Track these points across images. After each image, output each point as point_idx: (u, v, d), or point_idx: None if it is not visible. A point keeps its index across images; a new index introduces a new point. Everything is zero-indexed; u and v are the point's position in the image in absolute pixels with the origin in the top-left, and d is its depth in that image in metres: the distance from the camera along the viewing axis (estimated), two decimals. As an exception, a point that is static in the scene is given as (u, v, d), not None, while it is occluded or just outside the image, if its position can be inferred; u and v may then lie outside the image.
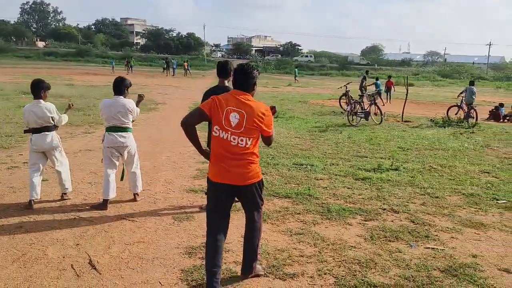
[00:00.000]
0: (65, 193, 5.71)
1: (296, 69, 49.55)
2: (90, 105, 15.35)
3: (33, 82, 5.46)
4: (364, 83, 20.55)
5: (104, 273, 3.79)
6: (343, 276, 3.90)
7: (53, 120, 5.45)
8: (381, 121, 14.55)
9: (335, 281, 3.82)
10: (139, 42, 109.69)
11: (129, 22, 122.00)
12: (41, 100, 5.41)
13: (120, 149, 5.51)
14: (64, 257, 4.07)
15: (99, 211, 5.29)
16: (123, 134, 5.45)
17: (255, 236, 3.76)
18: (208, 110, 3.41)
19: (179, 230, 4.84)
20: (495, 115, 17.50)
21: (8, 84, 21.42)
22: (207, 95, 5.07)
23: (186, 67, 46.80)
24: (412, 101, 25.34)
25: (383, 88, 22.74)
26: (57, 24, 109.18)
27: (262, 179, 3.72)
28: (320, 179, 7.20)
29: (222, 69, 5.45)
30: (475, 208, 6.04)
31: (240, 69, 3.55)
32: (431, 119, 15.73)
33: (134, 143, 5.66)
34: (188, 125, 3.42)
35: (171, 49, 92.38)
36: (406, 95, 16.21)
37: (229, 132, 3.38)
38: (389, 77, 24.18)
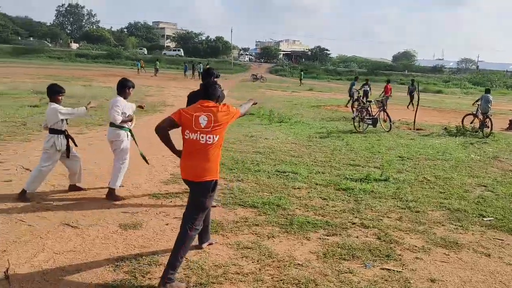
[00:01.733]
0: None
1: (302, 72, 49.37)
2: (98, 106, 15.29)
3: (49, 86, 5.85)
4: (353, 88, 20.51)
5: (14, 285, 3.55)
6: (274, 299, 3.53)
7: (60, 122, 5.70)
8: (390, 128, 13.95)
9: (262, 304, 3.46)
10: (169, 46, 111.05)
11: (160, 25, 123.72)
12: (54, 103, 5.71)
13: (109, 143, 6.01)
14: (-18, 264, 3.85)
15: (45, 216, 5.07)
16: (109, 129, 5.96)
17: (182, 243, 3.76)
18: (178, 119, 3.88)
19: (119, 240, 4.56)
20: (514, 124, 16.58)
21: (26, 84, 21.78)
22: (191, 97, 5.54)
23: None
24: (435, 109, 24.56)
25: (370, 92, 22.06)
26: (91, 26, 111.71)
27: (216, 180, 3.95)
28: (298, 188, 6.81)
29: (207, 75, 5.71)
30: (455, 225, 5.54)
31: (205, 85, 4.13)
32: (445, 128, 15.01)
33: (119, 139, 5.87)
34: (161, 132, 3.93)
35: (199, 53, 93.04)
36: (418, 101, 15.55)
37: (198, 132, 3.81)
38: (388, 81, 22.85)
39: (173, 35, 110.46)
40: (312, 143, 10.82)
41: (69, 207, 5.45)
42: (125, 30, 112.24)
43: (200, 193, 3.87)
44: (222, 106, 3.99)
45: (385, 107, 14.41)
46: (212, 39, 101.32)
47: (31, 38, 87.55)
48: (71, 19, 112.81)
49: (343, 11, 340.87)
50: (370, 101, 15.06)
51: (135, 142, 6.15)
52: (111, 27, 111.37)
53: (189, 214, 3.87)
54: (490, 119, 14.35)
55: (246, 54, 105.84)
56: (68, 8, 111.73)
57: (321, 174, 7.72)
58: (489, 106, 14.72)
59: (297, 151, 9.68)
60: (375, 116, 13.97)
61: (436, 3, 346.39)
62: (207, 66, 6.68)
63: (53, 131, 5.70)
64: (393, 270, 4.19)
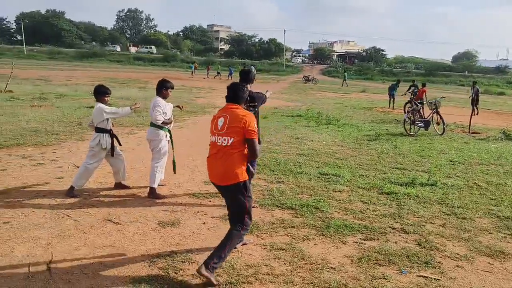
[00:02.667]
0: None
1: (345, 73, 48.32)
2: (148, 107, 15.80)
3: (96, 87, 6.14)
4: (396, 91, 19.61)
5: (54, 276, 3.74)
6: (302, 301, 3.51)
7: (105, 121, 6.00)
8: (444, 131, 13.41)
9: (289, 306, 3.44)
10: (223, 48, 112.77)
11: (215, 28, 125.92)
12: (100, 103, 6.00)
13: (148, 142, 6.26)
14: (27, 256, 4.09)
15: (90, 212, 5.31)
16: (149, 129, 6.21)
17: (226, 238, 3.88)
18: None
19: (156, 236, 4.69)
20: None
21: (85, 86, 22.87)
22: None
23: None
24: (494, 111, 23.37)
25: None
26: (149, 30, 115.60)
27: (244, 181, 3.91)
28: (339, 191, 6.71)
29: (245, 76, 5.72)
30: (504, 233, 5.25)
31: (230, 87, 4.11)
32: (503, 131, 14.23)
33: (157, 138, 6.08)
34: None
35: (253, 55, 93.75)
36: (473, 102, 14.84)
37: (216, 134, 3.90)
38: (423, 84, 20.87)
39: (227, 38, 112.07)
40: (359, 146, 10.62)
41: (113, 204, 5.67)
42: (180, 33, 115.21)
43: (234, 195, 3.92)
44: (244, 111, 3.98)
45: (438, 109, 13.87)
46: (265, 41, 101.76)
47: (93, 43, 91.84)
48: (130, 23, 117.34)
49: (400, 10, 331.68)
50: (422, 103, 14.54)
51: (172, 145, 6.32)
52: (168, 31, 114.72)
53: (233, 216, 4.01)
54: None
55: (299, 56, 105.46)
56: (127, 13, 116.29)
57: (364, 177, 7.56)
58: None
59: (342, 154, 9.54)
60: (428, 119, 13.49)
61: (498, 0, 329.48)
62: (247, 68, 6.66)
63: (99, 130, 5.97)
64: (431, 278, 4.04)
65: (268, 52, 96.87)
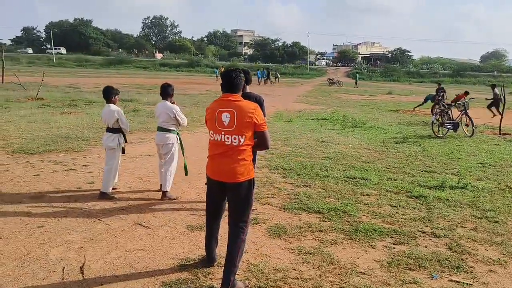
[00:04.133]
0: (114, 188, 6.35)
1: (357, 75, 47.92)
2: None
3: (104, 88, 6.24)
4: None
5: (87, 279, 3.83)
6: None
7: (117, 122, 6.11)
8: (473, 133, 13.13)
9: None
10: (247, 52, 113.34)
11: (238, 33, 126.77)
12: (111, 104, 6.13)
13: (159, 147, 6.21)
14: (61, 259, 4.19)
15: (120, 215, 5.42)
16: (164, 134, 6.15)
17: (236, 242, 3.70)
18: (206, 123, 3.80)
19: (185, 240, 4.75)
20: None
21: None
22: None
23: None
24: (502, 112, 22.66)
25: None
26: (174, 37, 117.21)
27: (253, 178, 3.77)
28: (367, 194, 6.65)
29: (246, 78, 5.50)
30: (539, 237, 5.10)
31: (226, 74, 3.77)
32: (537, 132, 13.85)
33: (172, 143, 6.15)
34: None
35: (276, 58, 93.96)
36: (504, 104, 14.48)
37: (222, 133, 3.61)
38: (466, 92, 19.55)
39: (251, 42, 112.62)
40: (386, 149, 10.50)
41: (142, 208, 5.77)
42: (205, 39, 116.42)
43: (241, 193, 3.69)
44: (252, 104, 3.69)
45: (467, 111, 13.59)
46: (289, 45, 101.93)
47: (120, 50, 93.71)
48: (156, 30, 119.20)
49: (425, 10, 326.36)
50: (450, 105, 14.27)
51: (182, 148, 6.36)
52: (192, 37, 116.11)
53: (237, 215, 3.76)
54: None
55: (323, 59, 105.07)
56: (153, 20, 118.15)
57: (392, 181, 7.47)
58: None
59: (369, 157, 9.45)
60: (456, 120, 13.23)
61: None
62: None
63: (115, 130, 6.16)
64: (462, 283, 3.96)
65: (292, 56, 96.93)
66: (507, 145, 11.64)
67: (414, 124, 15.75)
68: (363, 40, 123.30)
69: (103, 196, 6.04)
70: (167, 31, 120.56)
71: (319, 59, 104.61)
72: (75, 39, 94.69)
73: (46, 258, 4.20)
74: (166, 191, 6.17)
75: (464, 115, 13.59)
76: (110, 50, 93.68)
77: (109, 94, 6.17)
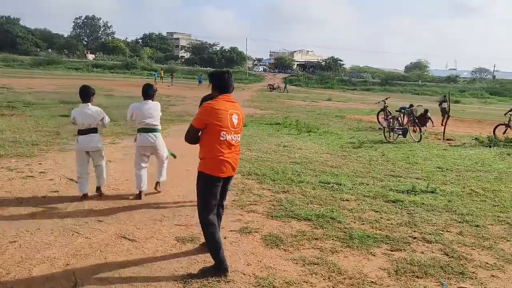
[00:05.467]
0: (99, 188, 6.16)
1: (286, 82, 49.48)
2: (124, 116, 15.26)
3: (83, 88, 5.89)
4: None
5: (85, 301, 3.41)
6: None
7: (101, 121, 5.97)
8: (420, 138, 13.70)
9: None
10: (184, 56, 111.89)
11: (174, 36, 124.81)
12: (89, 104, 5.87)
13: (149, 149, 6.15)
14: (48, 278, 3.72)
15: (99, 227, 4.95)
16: (156, 134, 6.11)
17: (221, 217, 4.39)
18: (203, 125, 3.84)
19: (180, 254, 4.40)
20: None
21: (52, 94, 21.93)
22: (204, 100, 5.37)
23: None
24: (457, 119, 24.15)
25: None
26: (107, 37, 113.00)
27: None
28: (347, 200, 6.62)
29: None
30: (521, 240, 5.29)
31: (221, 75, 4.01)
32: (476, 138, 14.72)
33: (162, 143, 6.25)
34: (193, 143, 4.02)
35: (214, 63, 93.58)
36: (448, 111, 15.28)
37: (232, 133, 3.88)
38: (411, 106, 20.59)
39: (188, 46, 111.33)
40: (347, 154, 10.62)
41: (120, 218, 5.32)
42: (140, 41, 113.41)
43: (229, 182, 4.19)
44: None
45: (415, 118, 14.16)
46: (227, 50, 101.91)
47: (50, 50, 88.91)
48: (88, 30, 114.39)
49: (354, 22, 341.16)
50: (399, 111, 14.81)
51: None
52: (126, 38, 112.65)
53: (224, 199, 4.27)
54: (524, 129, 14.02)
55: (261, 65, 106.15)
56: (85, 20, 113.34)
57: (365, 186, 7.52)
58: (524, 116, 14.39)
59: (334, 162, 9.49)
60: (405, 126, 13.73)
61: (446, 12, 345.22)
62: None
63: (96, 130, 5.96)
64: (473, 289, 3.97)
65: (230, 61, 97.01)
66: (455, 150, 12.22)
67: (363, 130, 16.18)
68: (299, 48, 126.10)
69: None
70: (100, 32, 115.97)
71: (256, 65, 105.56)
72: (1, 38, 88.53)
73: (31, 278, 3.70)
74: (160, 182, 6.49)
75: (411, 122, 14.13)
76: (39, 50, 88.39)
77: (88, 94, 5.88)
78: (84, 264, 4.03)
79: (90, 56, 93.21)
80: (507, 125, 15.02)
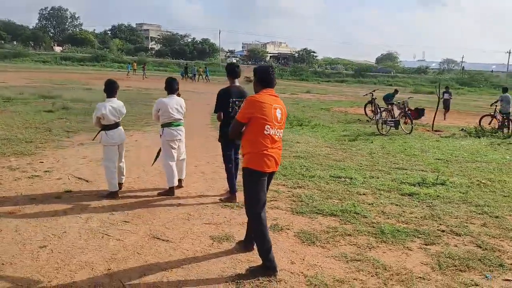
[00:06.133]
0: (120, 184, 6.08)
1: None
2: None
3: (109, 82, 5.90)
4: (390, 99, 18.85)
5: (140, 307, 3.26)
6: (419, 317, 3.31)
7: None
8: (411, 130, 13.89)
9: (412, 323, 3.23)
10: (154, 47, 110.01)
11: (144, 27, 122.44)
12: (115, 98, 5.88)
13: (178, 142, 6.19)
14: (93, 285, 3.54)
15: (128, 229, 4.77)
16: (182, 128, 6.21)
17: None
18: (247, 119, 3.82)
19: (220, 254, 4.28)
20: (530, 125, 16.67)
21: (28, 88, 21.16)
22: (221, 95, 5.84)
23: (202, 73, 46.71)
24: (440, 110, 24.59)
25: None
26: (74, 29, 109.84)
27: None
28: (363, 194, 6.61)
29: (234, 71, 5.99)
30: (544, 230, 5.39)
31: (265, 69, 4.02)
32: (463, 129, 15.04)
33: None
34: (237, 138, 4.01)
35: (186, 55, 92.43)
36: (438, 103, 15.55)
37: (276, 127, 3.85)
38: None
39: (158, 37, 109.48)
40: (346, 147, 10.64)
41: (146, 217, 5.16)
42: (108, 32, 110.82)
43: (272, 178, 4.14)
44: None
45: (407, 109, 14.34)
46: (198, 41, 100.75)
47: (15, 42, 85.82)
48: (54, 22, 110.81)
49: (325, 14, 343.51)
50: (392, 103, 14.97)
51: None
52: (94, 30, 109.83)
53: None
54: (510, 119, 14.40)
55: (233, 56, 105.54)
56: (51, 11, 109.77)
57: (376, 179, 7.54)
58: (510, 106, 14.76)
59: (337, 156, 9.48)
60: (397, 119, 13.89)
61: (414, 4, 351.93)
62: (235, 63, 7.49)
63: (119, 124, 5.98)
64: (518, 281, 4.01)
65: (202, 53, 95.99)
66: (447, 142, 12.43)
67: (352, 122, 16.27)
68: (271, 39, 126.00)
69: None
70: (67, 23, 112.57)
71: (229, 57, 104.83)
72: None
73: (76, 285, 3.51)
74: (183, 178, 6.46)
75: (403, 114, 14.31)
76: (3, 42, 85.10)
77: (114, 88, 5.87)
78: (126, 269, 3.86)
79: (58, 49, 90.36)
80: (493, 116, 15.39)
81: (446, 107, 19.53)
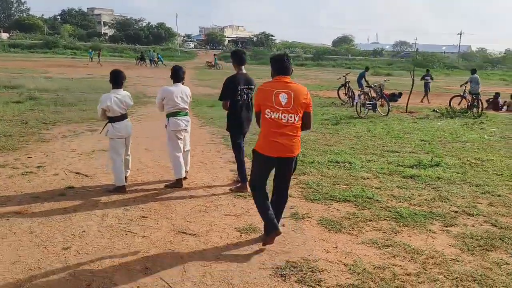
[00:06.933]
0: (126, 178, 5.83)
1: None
2: (81, 100, 14.31)
3: (115, 72, 5.62)
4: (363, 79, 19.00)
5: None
6: (469, 299, 3.36)
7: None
8: (388, 112, 14.16)
9: (465, 306, 3.28)
10: (107, 33, 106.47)
11: (96, 12, 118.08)
12: (121, 89, 5.65)
13: (183, 132, 6.01)
14: (138, 286, 3.37)
15: (149, 224, 4.59)
16: (187, 117, 6.00)
17: (285, 198, 4.31)
18: (258, 107, 4.07)
19: (254, 247, 4.19)
20: (494, 104, 17.41)
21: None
22: (228, 82, 5.76)
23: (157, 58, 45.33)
24: (406, 92, 25.21)
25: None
26: (21, 14, 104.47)
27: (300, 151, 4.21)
28: (367, 178, 6.67)
29: (241, 58, 5.93)
30: (547, 207, 5.63)
31: (280, 58, 4.13)
32: (434, 110, 15.48)
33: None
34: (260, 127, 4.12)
35: (142, 40, 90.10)
36: (412, 85, 15.89)
37: (280, 111, 3.90)
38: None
39: (111, 22, 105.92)
40: (332, 131, 10.69)
41: (162, 212, 4.99)
42: (58, 17, 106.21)
43: (291, 165, 4.12)
44: (304, 88, 4.08)
45: (383, 92, 14.59)
46: (154, 26, 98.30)
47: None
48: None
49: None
50: (369, 86, 15.16)
51: None
52: (43, 15, 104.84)
53: (286, 181, 4.21)
54: (479, 99, 14.94)
55: (191, 41, 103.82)
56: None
57: (373, 163, 7.62)
58: (479, 87, 15.29)
59: (326, 140, 9.52)
60: (375, 101, 14.10)
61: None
62: (240, 49, 7.72)
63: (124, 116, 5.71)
64: (543, 258, 4.15)
65: (158, 37, 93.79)
66: (424, 123, 12.77)
67: (328, 106, 16.39)
68: (229, 23, 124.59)
69: (122, 189, 5.60)
70: (13, 8, 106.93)
71: (186, 41, 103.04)
72: None
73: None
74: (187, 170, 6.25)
75: (380, 96, 14.54)
76: None
77: (120, 78, 5.63)
78: (163, 267, 3.71)
79: (4, 35, 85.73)
80: (462, 96, 15.91)
81: (427, 90, 19.83)
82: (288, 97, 3.91)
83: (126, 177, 5.77)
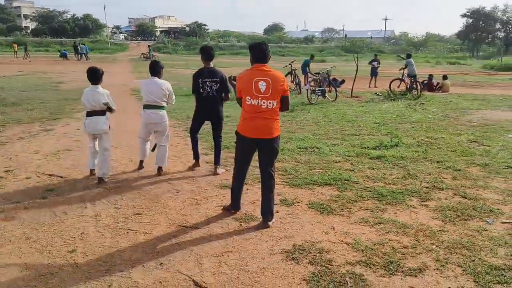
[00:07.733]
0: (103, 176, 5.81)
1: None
2: (24, 99, 13.56)
3: (92, 69, 5.70)
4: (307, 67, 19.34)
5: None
6: (464, 263, 3.72)
7: (105, 105, 5.68)
8: (336, 97, 14.70)
9: (463, 270, 3.62)
10: (28, 26, 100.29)
11: (14, 4, 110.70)
12: (99, 86, 5.70)
13: (153, 126, 6.14)
14: (161, 282, 3.40)
15: (145, 220, 4.57)
16: (158, 111, 6.05)
17: (271, 181, 4.55)
18: (239, 93, 4.46)
19: (258, 235, 4.31)
20: (429, 85, 18.56)
21: None
22: (193, 77, 6.15)
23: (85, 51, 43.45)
24: (345, 77, 26.10)
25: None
26: None
27: (280, 134, 4.56)
28: (339, 161, 6.99)
29: (209, 54, 6.23)
30: (503, 177, 6.21)
31: (258, 46, 4.40)
32: (376, 93, 16.26)
33: (166, 120, 6.22)
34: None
35: (67, 32, 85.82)
36: (356, 71, 16.54)
37: (259, 98, 4.26)
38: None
39: (33, 14, 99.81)
40: (289, 118, 10.98)
41: (153, 207, 4.96)
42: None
43: (274, 146, 4.45)
44: (281, 74, 4.38)
45: (330, 78, 15.10)
46: (79, 17, 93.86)
47: None
48: None
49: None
50: (318, 73, 15.61)
51: None
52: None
53: (269, 163, 4.51)
54: (418, 82, 15.88)
55: (120, 32, 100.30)
56: None
57: (338, 146, 7.97)
58: (414, 69, 16.27)
59: (286, 127, 9.76)
60: (324, 88, 14.57)
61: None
62: (208, 45, 7.92)
63: (103, 112, 5.78)
64: (513, 222, 4.64)
65: (85, 29, 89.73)
66: (371, 106, 13.45)
67: (275, 94, 16.66)
68: (159, 13, 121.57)
69: (101, 182, 5.71)
70: None
71: (115, 33, 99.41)
72: None
73: (141, 286, 3.34)
74: (163, 167, 6.28)
75: (326, 82, 15.04)
76: None
77: (98, 75, 5.73)
78: (177, 261, 3.74)
79: None
80: (401, 80, 16.83)
81: (375, 74, 20.55)
82: (266, 85, 4.24)
83: (93, 170, 6.03)
